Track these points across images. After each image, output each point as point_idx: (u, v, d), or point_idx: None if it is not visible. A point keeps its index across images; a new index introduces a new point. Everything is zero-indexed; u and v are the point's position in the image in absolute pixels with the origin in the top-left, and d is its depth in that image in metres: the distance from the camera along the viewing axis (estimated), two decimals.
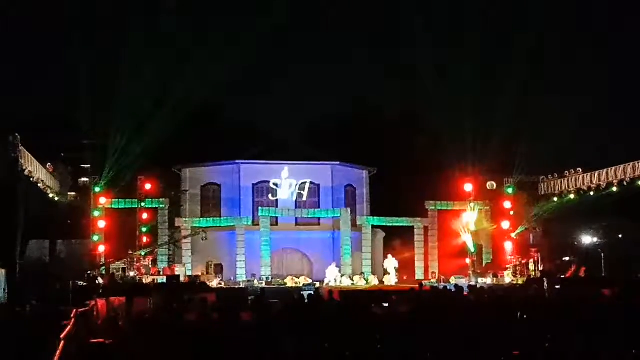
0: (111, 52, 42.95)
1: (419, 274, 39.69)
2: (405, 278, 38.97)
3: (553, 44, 48.43)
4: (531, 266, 35.87)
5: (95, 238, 35.77)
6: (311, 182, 43.29)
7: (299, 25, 59.74)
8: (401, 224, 41.59)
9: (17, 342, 12.87)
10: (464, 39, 42.39)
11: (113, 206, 37.27)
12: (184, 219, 39.92)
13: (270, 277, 37.27)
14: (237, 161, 42.87)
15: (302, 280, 36.20)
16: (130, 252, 36.16)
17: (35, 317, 17.68)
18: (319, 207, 42.68)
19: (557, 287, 27.89)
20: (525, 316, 15.12)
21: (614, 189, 34.11)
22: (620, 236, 39.87)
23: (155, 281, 33.54)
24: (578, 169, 36.40)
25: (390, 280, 37.34)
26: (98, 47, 43.33)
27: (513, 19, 48.82)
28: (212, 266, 37.83)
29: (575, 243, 40.34)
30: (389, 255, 38.69)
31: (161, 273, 35.65)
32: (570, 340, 13.49)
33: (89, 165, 37.07)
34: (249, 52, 43.00)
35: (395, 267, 37.77)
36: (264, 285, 34.83)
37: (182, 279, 34.08)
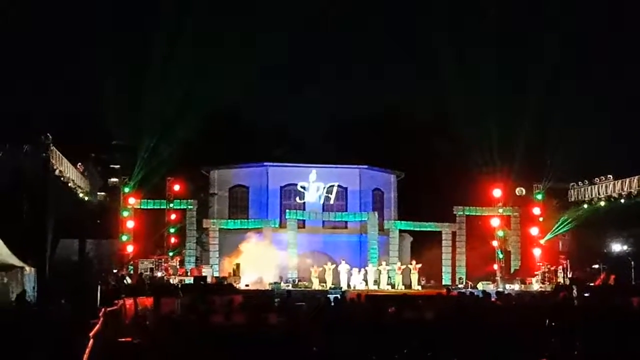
0: (142, 53, 43.27)
1: (446, 280, 39.50)
2: (432, 283, 38.79)
3: (585, 44, 47.96)
4: (560, 273, 35.54)
5: (124, 238, 36.08)
6: (339, 186, 43.33)
7: (325, 26, 59.65)
8: (429, 229, 41.36)
9: (46, 340, 12.98)
10: (494, 42, 42.16)
11: (142, 207, 37.54)
12: (212, 220, 40.09)
13: (296, 279, 37.30)
14: (265, 163, 43.01)
15: (329, 284, 36.16)
16: (159, 252, 36.42)
17: (64, 316, 17.82)
18: (346, 210, 42.71)
19: (586, 294, 27.59)
20: (553, 323, 14.97)
21: None
22: None
23: (183, 282, 33.71)
24: (609, 176, 35.94)
25: (415, 285, 37.26)
26: (129, 48, 43.66)
27: (544, 19, 48.47)
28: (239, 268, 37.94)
29: (605, 251, 39.90)
30: (413, 262, 38.49)
31: (188, 274, 35.81)
32: (598, 349, 13.34)
33: (118, 166, 37.30)
34: (277, 53, 43.14)
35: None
36: (290, 287, 34.87)
37: (209, 280, 34.21)
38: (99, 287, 26.19)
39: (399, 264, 38.39)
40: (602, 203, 36.11)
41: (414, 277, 37.39)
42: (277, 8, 47.39)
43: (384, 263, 38.00)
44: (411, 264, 38.08)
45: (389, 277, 37.61)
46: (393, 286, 37.17)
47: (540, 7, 50.27)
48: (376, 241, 39.46)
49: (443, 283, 38.55)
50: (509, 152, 38.44)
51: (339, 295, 24.45)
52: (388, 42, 63.48)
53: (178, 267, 36.27)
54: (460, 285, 36.83)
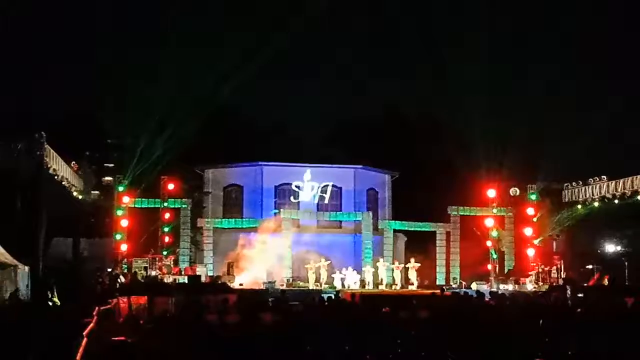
0: (138, 52, 43.28)
1: (440, 279, 39.46)
2: (426, 283, 38.79)
3: (581, 42, 48.04)
4: (554, 273, 35.55)
5: (118, 237, 36.04)
6: (333, 185, 43.32)
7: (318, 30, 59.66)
8: (423, 229, 41.34)
9: (39, 339, 12.95)
10: (492, 42, 42.25)
11: (136, 205, 37.49)
12: (206, 220, 40.06)
13: (290, 279, 37.28)
14: (259, 163, 42.97)
15: (323, 283, 36.16)
16: (153, 251, 36.40)
17: (57, 315, 17.80)
18: (340, 210, 42.68)
19: (579, 295, 27.64)
20: (547, 323, 15.00)
21: (639, 197, 33.74)
22: None
23: (177, 281, 33.66)
24: (603, 177, 36.00)
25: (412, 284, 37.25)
26: (125, 47, 43.63)
27: (540, 19, 48.58)
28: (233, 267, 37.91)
29: (599, 251, 39.99)
30: (412, 260, 38.43)
31: (182, 273, 35.77)
32: (592, 348, 13.37)
33: (112, 165, 37.33)
34: (275, 53, 43.01)
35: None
36: (284, 287, 34.86)
37: (203, 279, 34.16)
38: (92, 286, 26.17)
39: (396, 263, 38.41)
40: (596, 203, 36.15)
41: (412, 275, 37.37)
42: (277, 8, 47.34)
43: (380, 262, 37.99)
44: (409, 263, 38.06)
45: (384, 276, 37.63)
46: (388, 286, 37.16)
47: (541, 7, 50.37)
48: (370, 241, 39.42)
49: (437, 283, 38.50)
50: (503, 152, 38.50)
51: (332, 295, 24.45)
52: (387, 42, 63.44)
53: (172, 266, 36.21)
54: (454, 285, 36.84)
